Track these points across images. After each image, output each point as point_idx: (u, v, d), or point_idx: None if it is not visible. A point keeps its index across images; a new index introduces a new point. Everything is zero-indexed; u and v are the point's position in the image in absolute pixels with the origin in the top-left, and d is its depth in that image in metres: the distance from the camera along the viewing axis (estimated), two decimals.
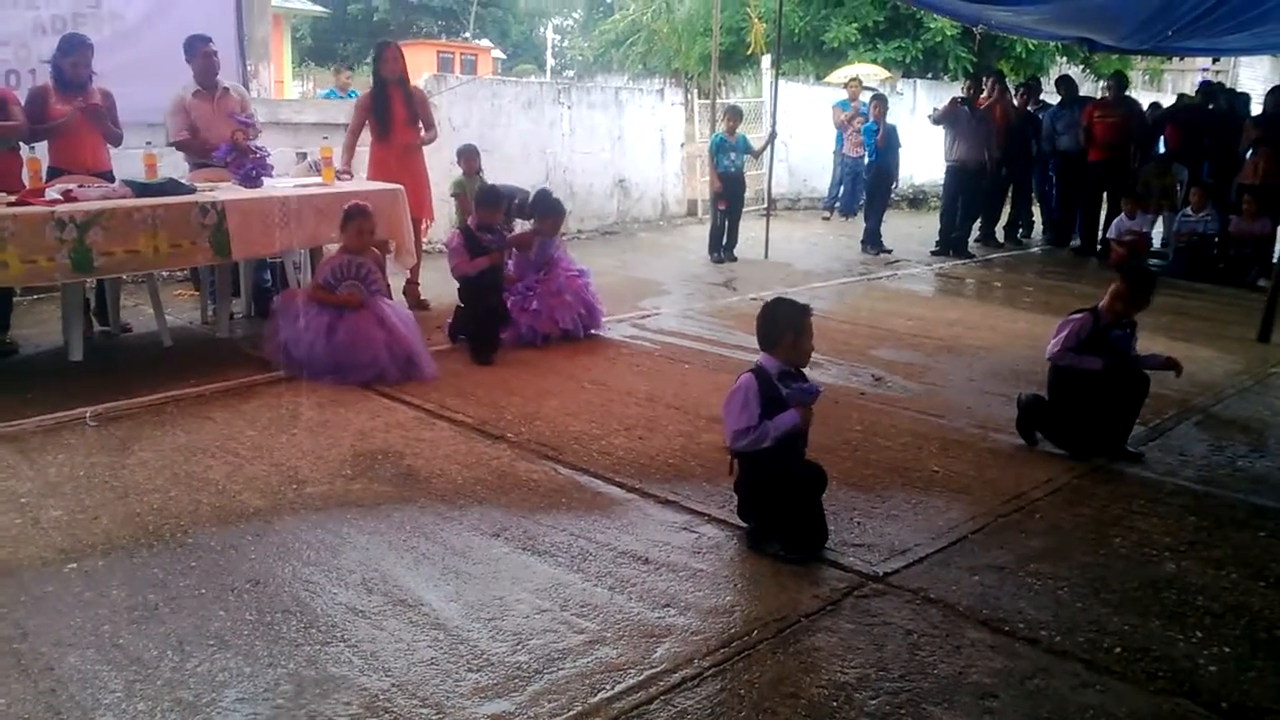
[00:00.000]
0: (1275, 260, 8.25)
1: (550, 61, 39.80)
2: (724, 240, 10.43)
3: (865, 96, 13.39)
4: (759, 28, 17.25)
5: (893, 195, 12.78)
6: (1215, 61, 23.96)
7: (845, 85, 14.47)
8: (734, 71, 21.44)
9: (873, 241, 11.25)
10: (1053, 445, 4.86)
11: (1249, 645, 3.18)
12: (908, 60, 18.41)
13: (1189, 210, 10.56)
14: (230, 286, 6.88)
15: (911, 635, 3.17)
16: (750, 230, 10.82)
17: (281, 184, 6.63)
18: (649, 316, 7.61)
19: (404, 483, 4.26)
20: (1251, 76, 24.83)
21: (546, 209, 6.87)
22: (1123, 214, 10.69)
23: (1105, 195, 11.42)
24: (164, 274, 7.57)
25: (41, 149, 6.40)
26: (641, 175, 12.84)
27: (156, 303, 6.51)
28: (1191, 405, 5.68)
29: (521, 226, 7.42)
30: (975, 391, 5.86)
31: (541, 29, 43.08)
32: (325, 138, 7.43)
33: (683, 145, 13.53)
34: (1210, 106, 11.74)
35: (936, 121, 11.27)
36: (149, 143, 6.64)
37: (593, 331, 6.80)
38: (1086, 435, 4.78)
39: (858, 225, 12.11)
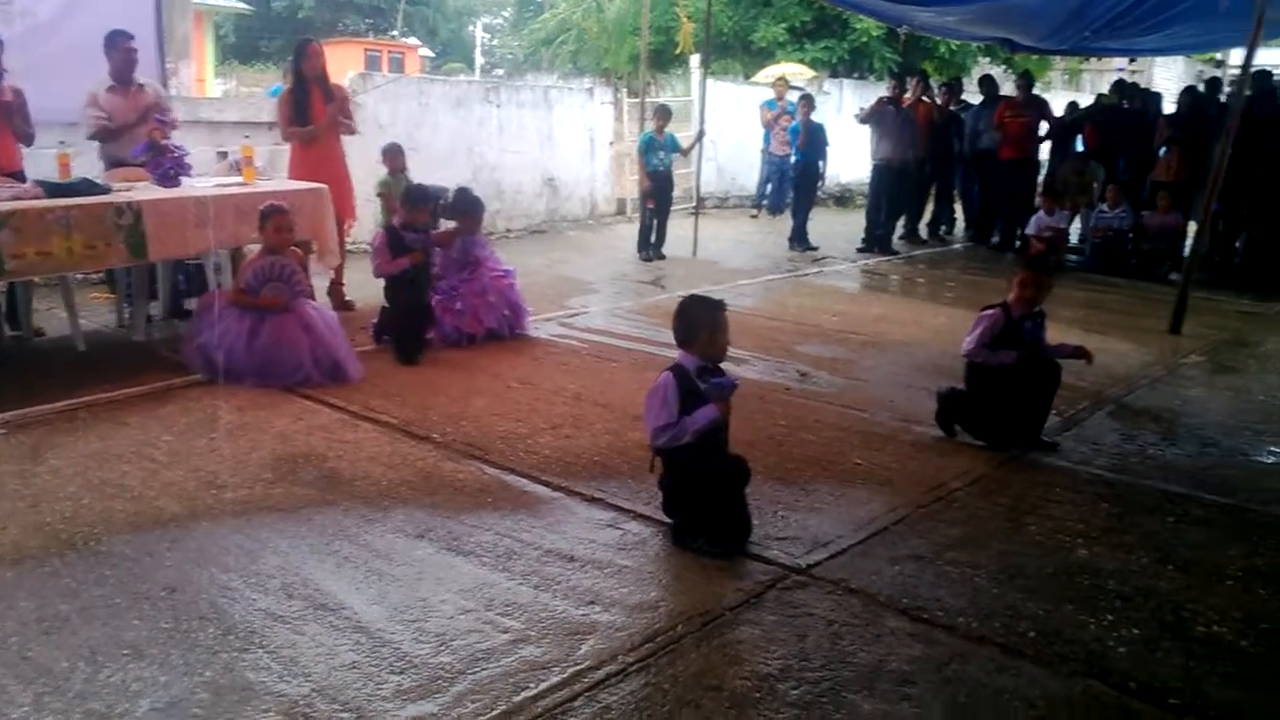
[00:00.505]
0: (1186, 255, 8.50)
1: (480, 60, 39.50)
2: (653, 238, 10.45)
3: (792, 96, 13.52)
4: (688, 27, 17.32)
5: (819, 193, 12.89)
6: (1132, 61, 24.60)
7: (772, 84, 14.59)
8: (663, 70, 21.49)
9: (799, 239, 11.37)
10: (971, 437, 4.97)
11: (1157, 626, 3.28)
12: (834, 60, 18.64)
13: (1104, 207, 10.85)
14: (147, 289, 6.72)
15: (833, 625, 3.21)
16: (679, 228, 10.87)
17: (201, 183, 6.49)
18: (577, 315, 7.60)
19: (326, 486, 4.20)
20: (1166, 76, 25.56)
21: (465, 207, 6.84)
22: (1041, 211, 10.93)
23: (1018, 193, 11.66)
24: (78, 276, 7.37)
25: None
26: (571, 174, 12.81)
27: (70, 306, 6.34)
28: (1105, 396, 5.84)
29: (447, 226, 7.36)
30: (898, 385, 5.95)
31: (471, 27, 42.75)
32: (247, 136, 7.28)
33: (612, 144, 13.52)
34: (1125, 104, 12.07)
35: (863, 120, 11.43)
36: (62, 142, 6.44)
37: (518, 331, 6.78)
38: (1003, 426, 4.88)
39: (785, 223, 12.23)
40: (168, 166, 6.28)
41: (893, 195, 11.46)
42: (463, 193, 7.07)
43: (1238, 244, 10.93)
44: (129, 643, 2.99)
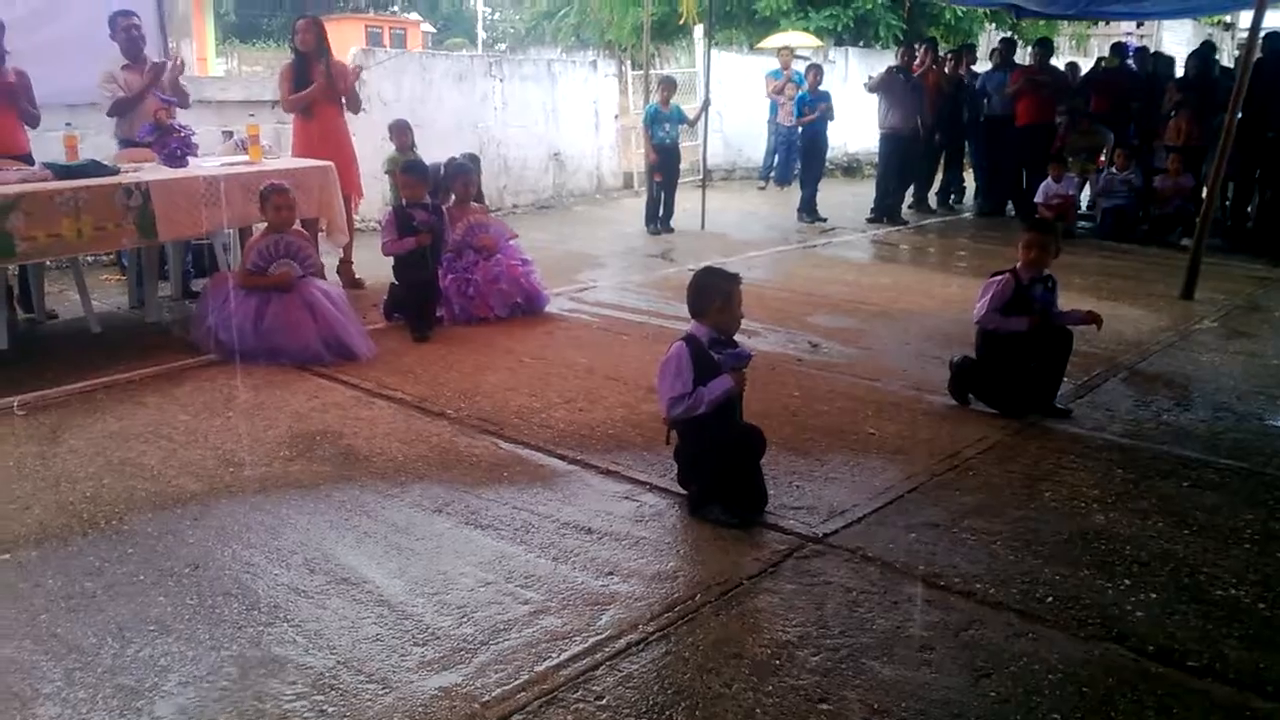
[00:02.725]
0: (1197, 220, 8.46)
1: (481, 35, 39.28)
2: (660, 211, 10.43)
3: (798, 66, 13.42)
4: None
5: (827, 164, 12.82)
6: (1139, 25, 24.37)
7: (777, 54, 14.49)
8: (667, 42, 21.38)
9: (808, 210, 11.33)
10: (984, 405, 4.97)
11: (1174, 590, 3.29)
12: (839, 28, 18.48)
13: (1114, 169, 10.78)
14: (158, 269, 6.74)
15: (851, 593, 3.23)
16: (686, 201, 10.84)
17: (207, 163, 6.50)
18: (587, 289, 7.60)
19: (344, 462, 4.23)
20: (1174, 40, 25.26)
21: (454, 172, 6.99)
22: (1049, 178, 10.86)
23: (1033, 159, 11.56)
24: (89, 258, 7.40)
25: None
26: (576, 148, 12.77)
27: (82, 288, 6.36)
28: (1118, 362, 5.83)
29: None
30: (910, 355, 5.96)
31: (472, 2, 42.49)
32: (251, 115, 7.28)
33: (617, 117, 13.48)
34: (1133, 66, 11.96)
35: (872, 89, 11.35)
36: (69, 124, 6.46)
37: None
38: (1016, 394, 4.88)
39: (793, 194, 12.17)
40: (174, 146, 6.29)
41: (902, 164, 11.39)
42: (449, 161, 7.15)
43: (1250, 208, 10.85)
44: (155, 619, 3.02)
